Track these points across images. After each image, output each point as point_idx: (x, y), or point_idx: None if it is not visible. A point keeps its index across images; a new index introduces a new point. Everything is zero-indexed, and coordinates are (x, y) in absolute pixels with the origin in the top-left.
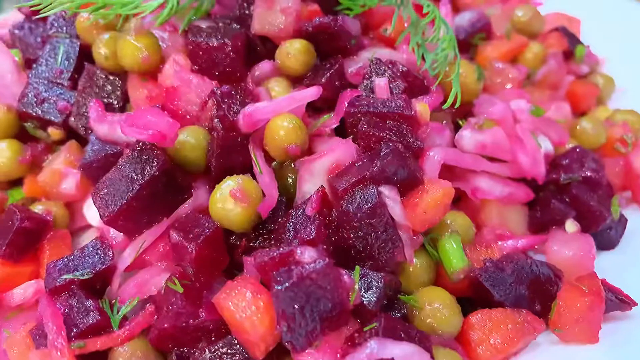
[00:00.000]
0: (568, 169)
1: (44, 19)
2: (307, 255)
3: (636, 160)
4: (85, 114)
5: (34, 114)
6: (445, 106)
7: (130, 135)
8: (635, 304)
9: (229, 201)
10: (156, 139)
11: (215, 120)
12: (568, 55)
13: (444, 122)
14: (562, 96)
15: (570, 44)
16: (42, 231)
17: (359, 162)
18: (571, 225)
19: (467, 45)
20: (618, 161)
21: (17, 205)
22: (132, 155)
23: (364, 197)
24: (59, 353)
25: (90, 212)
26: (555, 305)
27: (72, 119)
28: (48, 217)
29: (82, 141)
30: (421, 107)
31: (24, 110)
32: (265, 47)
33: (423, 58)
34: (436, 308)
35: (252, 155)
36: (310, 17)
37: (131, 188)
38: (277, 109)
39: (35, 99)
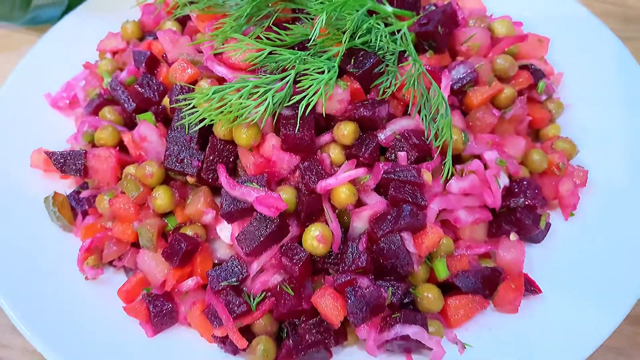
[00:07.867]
0: (516, 196)
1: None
2: (365, 282)
3: (563, 184)
4: (212, 170)
5: (177, 169)
6: (442, 178)
7: (261, 211)
8: (541, 292)
9: (315, 241)
10: (276, 214)
11: (301, 184)
12: (533, 86)
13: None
14: (524, 128)
15: (535, 79)
16: (196, 248)
17: (390, 216)
18: (513, 236)
19: (460, 91)
20: (551, 181)
21: (180, 233)
22: (261, 216)
23: (394, 241)
24: (232, 329)
25: (223, 234)
26: (497, 292)
27: (203, 174)
28: (199, 239)
29: (208, 183)
30: (427, 175)
31: (169, 167)
32: (324, 120)
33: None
34: (429, 296)
35: (325, 209)
36: (354, 95)
37: (260, 236)
38: (341, 182)
39: (175, 159)
